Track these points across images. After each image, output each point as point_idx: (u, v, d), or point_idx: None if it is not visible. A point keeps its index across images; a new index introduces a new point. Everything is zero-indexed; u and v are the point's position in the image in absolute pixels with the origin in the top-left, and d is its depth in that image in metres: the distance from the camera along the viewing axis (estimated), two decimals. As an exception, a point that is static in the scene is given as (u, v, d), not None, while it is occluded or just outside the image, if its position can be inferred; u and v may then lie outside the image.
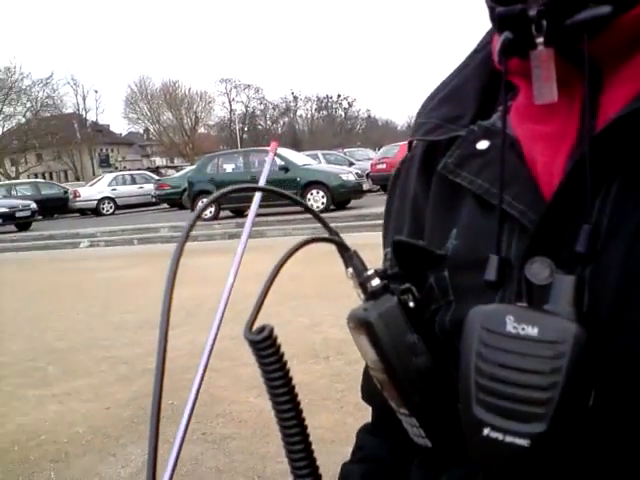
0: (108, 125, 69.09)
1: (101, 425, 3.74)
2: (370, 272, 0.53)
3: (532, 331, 0.41)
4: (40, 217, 21.50)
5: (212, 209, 15.27)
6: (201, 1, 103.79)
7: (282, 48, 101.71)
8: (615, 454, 0.43)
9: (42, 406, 4.20)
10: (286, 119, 69.30)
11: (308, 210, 0.53)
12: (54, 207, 24.80)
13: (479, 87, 0.58)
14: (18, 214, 19.48)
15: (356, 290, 0.54)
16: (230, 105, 65.32)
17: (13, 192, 24.86)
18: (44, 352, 5.47)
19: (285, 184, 13.90)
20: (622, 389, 0.41)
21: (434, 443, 0.53)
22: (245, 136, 63.10)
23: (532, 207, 0.46)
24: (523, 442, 0.40)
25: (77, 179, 50.87)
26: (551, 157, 0.48)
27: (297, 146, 42.66)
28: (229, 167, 15.72)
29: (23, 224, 19.79)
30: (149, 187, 23.36)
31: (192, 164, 30.82)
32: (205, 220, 15.13)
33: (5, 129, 52.73)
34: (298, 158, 15.82)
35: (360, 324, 0.52)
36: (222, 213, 15.50)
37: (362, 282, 0.53)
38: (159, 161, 60.44)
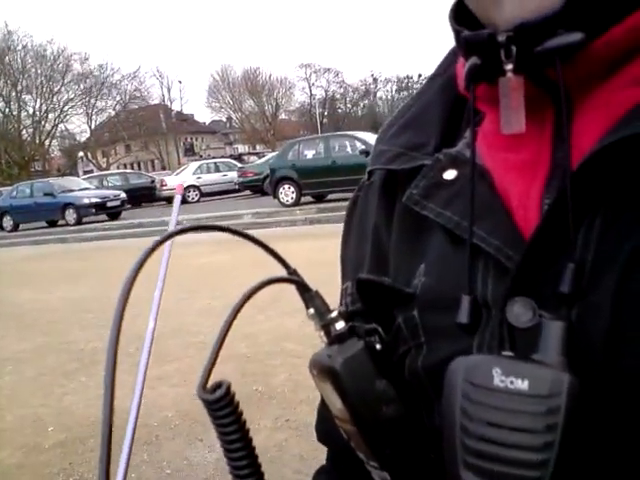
0: (192, 114, 70.89)
1: (189, 410, 3.85)
2: (334, 314, 0.49)
3: (522, 385, 0.37)
4: (129, 206, 22.40)
5: (294, 194, 15.39)
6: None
7: (360, 30, 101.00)
8: None
9: (133, 391, 4.35)
10: (366, 101, 68.92)
11: (266, 249, 0.49)
12: (142, 196, 25.76)
13: (442, 113, 0.54)
14: (109, 204, 20.28)
15: (318, 333, 0.49)
16: (310, 90, 65.53)
17: (104, 183, 26.04)
18: (135, 338, 5.61)
19: (366, 168, 13.78)
20: (621, 439, 0.38)
21: None
22: (325, 120, 63.18)
23: (509, 243, 0.43)
24: None
25: (163, 168, 52.56)
26: (525, 188, 0.44)
27: (377, 129, 42.17)
28: (310, 153, 15.77)
29: (114, 213, 20.59)
30: (232, 174, 23.71)
31: (273, 150, 31.23)
32: (287, 206, 15.30)
33: (97, 123, 54.93)
34: (379, 141, 15.69)
35: (324, 372, 0.48)
36: (303, 199, 15.61)
37: (325, 325, 0.49)
38: (241, 148, 61.43)
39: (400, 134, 0.56)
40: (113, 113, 55.18)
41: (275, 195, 15.81)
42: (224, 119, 70.97)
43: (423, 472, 0.48)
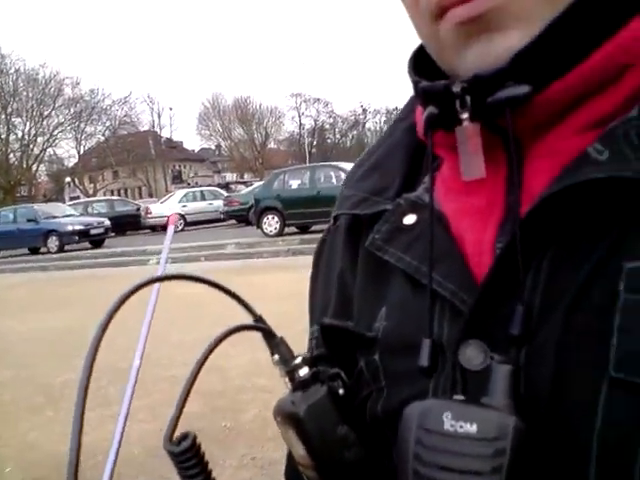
0: (181, 142, 70.91)
1: (156, 446, 3.77)
2: (298, 360, 0.51)
3: (471, 428, 0.38)
4: (113, 234, 22.33)
5: (278, 225, 15.37)
6: (271, 18, 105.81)
7: (350, 61, 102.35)
8: None
9: (102, 426, 4.25)
10: (355, 132, 69.48)
11: (232, 295, 0.51)
12: (127, 224, 25.68)
13: (404, 157, 0.56)
14: (92, 231, 20.19)
15: (283, 379, 0.51)
16: (300, 119, 65.99)
17: (90, 209, 26.03)
18: (107, 371, 5.57)
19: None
20: (566, 474, 0.39)
21: None
22: (314, 150, 63.48)
23: (463, 287, 0.44)
24: None
25: (150, 195, 52.34)
26: (479, 233, 0.46)
27: (365, 160, 42.45)
28: (295, 183, 15.82)
29: (97, 241, 20.47)
30: (218, 203, 23.78)
31: (261, 179, 31.28)
32: (270, 236, 15.28)
33: (86, 148, 54.92)
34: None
35: (288, 418, 0.49)
36: (287, 229, 15.61)
37: (289, 371, 0.51)
38: (229, 177, 61.51)
39: (365, 178, 0.58)
40: (102, 138, 55.18)
41: (259, 225, 15.80)
42: (213, 147, 71.21)
43: None
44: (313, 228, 15.57)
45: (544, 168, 0.43)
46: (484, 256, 0.45)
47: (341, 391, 0.51)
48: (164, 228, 24.25)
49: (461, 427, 0.39)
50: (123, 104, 54.59)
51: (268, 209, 15.59)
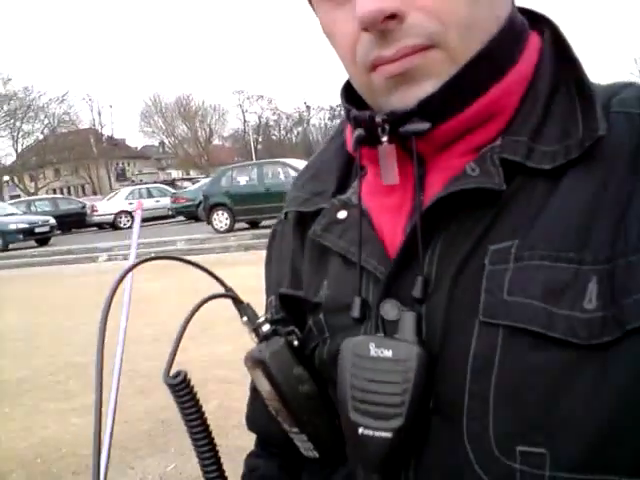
0: (124, 139, 69.73)
1: (120, 438, 3.77)
2: (261, 319, 0.67)
3: (388, 353, 0.55)
4: (59, 232, 21.78)
5: (228, 221, 15.36)
6: (210, 15, 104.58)
7: (293, 59, 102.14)
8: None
9: (63, 420, 4.29)
10: (300, 128, 69.44)
11: (206, 271, 0.69)
12: (72, 222, 25.16)
13: (337, 167, 0.72)
14: (37, 229, 19.62)
15: (250, 335, 0.67)
16: (244, 116, 65.65)
17: (32, 208, 25.20)
18: (64, 366, 5.57)
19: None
20: (450, 392, 0.54)
21: (321, 453, 0.67)
22: (260, 147, 63.13)
23: (381, 262, 0.60)
24: (387, 435, 0.55)
25: (94, 193, 51.16)
26: (393, 224, 0.62)
27: (311, 155, 42.38)
28: (243, 180, 15.71)
29: (42, 239, 19.98)
30: (165, 200, 23.46)
31: (207, 176, 30.94)
32: (220, 232, 15.21)
33: (24, 146, 53.30)
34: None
35: (256, 362, 0.65)
36: (237, 225, 15.63)
37: (255, 328, 0.67)
38: (175, 173, 60.73)
39: (307, 183, 0.74)
40: (41, 137, 53.75)
41: (209, 221, 15.68)
42: (157, 144, 70.06)
43: (330, 433, 0.65)
44: (263, 223, 15.57)
45: (439, 179, 0.58)
46: (396, 239, 0.60)
47: (296, 343, 0.67)
48: (111, 225, 23.89)
49: (382, 352, 0.55)
50: (61, 102, 53.46)
51: (217, 205, 15.46)
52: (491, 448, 0.52)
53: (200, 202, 17.40)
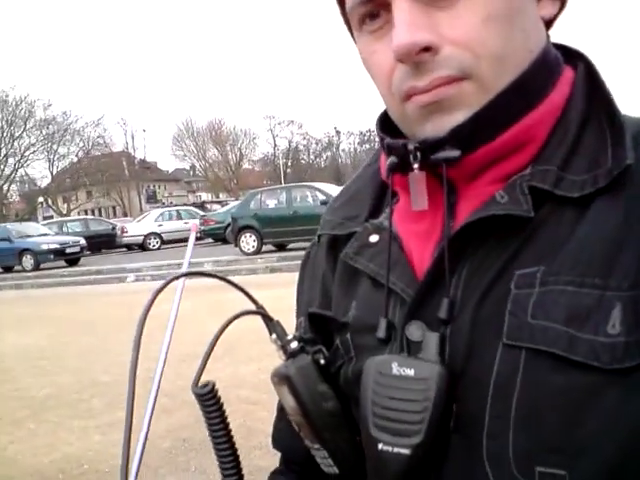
0: (155, 162, 70.69)
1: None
2: (290, 337, 0.68)
3: (410, 372, 0.56)
4: (89, 252, 22.10)
5: (255, 243, 15.43)
6: (244, 42, 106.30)
7: (324, 84, 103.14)
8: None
9: (86, 437, 4.33)
10: (329, 153, 69.76)
11: (235, 286, 0.70)
12: (102, 242, 25.53)
13: (371, 193, 0.74)
14: (68, 250, 19.97)
15: (278, 352, 0.68)
16: (274, 141, 66.19)
17: (64, 228, 25.71)
18: (89, 385, 5.63)
19: (326, 218, 13.88)
20: (470, 412, 0.55)
21: (341, 469, 0.67)
22: (289, 170, 63.49)
23: (409, 285, 0.62)
24: (406, 451, 0.55)
25: (125, 215, 51.98)
26: (422, 249, 0.64)
27: (340, 180, 42.62)
28: (272, 203, 15.85)
29: (73, 260, 20.30)
30: (194, 222, 23.53)
31: (237, 199, 31.18)
32: (248, 254, 15.27)
33: (59, 169, 54.32)
34: (338, 192, 15.79)
35: (282, 378, 0.66)
36: (264, 247, 15.70)
37: (283, 345, 0.68)
38: (205, 196, 61.35)
39: (341, 208, 0.76)
40: (75, 159, 54.70)
41: (237, 243, 15.78)
42: (187, 167, 70.96)
43: (351, 449, 0.66)
44: (290, 246, 15.65)
45: (469, 206, 0.59)
46: (424, 264, 0.62)
47: (322, 361, 0.68)
48: (140, 246, 24.13)
49: (404, 371, 0.57)
50: (96, 126, 54.47)
51: (246, 228, 15.57)
52: (510, 468, 0.53)
53: (229, 224, 17.49)
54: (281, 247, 15.97)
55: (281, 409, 0.80)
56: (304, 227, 13.62)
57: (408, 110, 0.59)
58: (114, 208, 61.08)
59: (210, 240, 22.25)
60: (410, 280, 0.62)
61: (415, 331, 0.60)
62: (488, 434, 0.54)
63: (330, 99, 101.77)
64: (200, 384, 0.65)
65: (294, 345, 0.67)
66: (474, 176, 0.60)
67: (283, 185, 20.08)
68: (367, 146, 66.53)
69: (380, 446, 0.57)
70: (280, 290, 8.57)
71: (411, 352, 0.60)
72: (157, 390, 1.14)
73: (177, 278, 0.71)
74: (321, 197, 14.74)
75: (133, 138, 62.00)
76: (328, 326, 0.72)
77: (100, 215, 53.11)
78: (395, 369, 0.57)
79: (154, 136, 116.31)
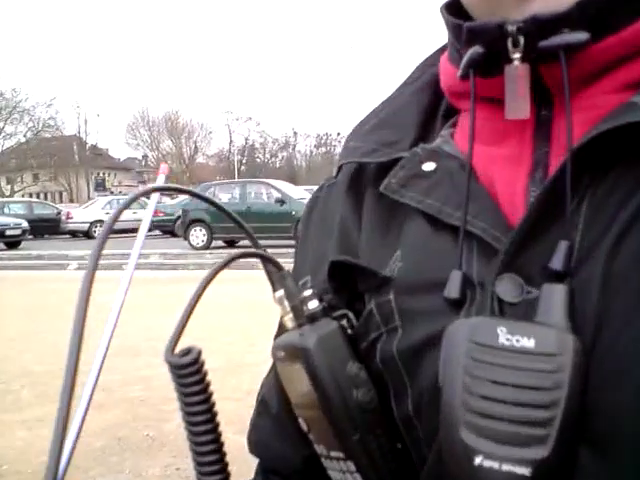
0: (107, 149, 69.47)
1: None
2: (307, 293, 0.48)
3: (528, 343, 0.38)
4: (31, 237, 21.55)
5: (205, 237, 15.25)
6: (204, 34, 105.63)
7: (284, 85, 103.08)
8: None
9: (10, 432, 4.03)
10: (285, 154, 69.91)
11: (235, 221, 0.51)
12: (46, 227, 24.86)
13: (416, 114, 0.57)
14: (8, 232, 19.37)
15: (285, 317, 0.48)
16: (230, 136, 65.92)
17: (6, 210, 24.89)
18: (20, 375, 5.31)
19: (280, 217, 13.91)
20: (607, 414, 0.38)
21: None
22: (243, 168, 63.47)
23: (495, 225, 0.45)
24: (524, 470, 0.37)
25: (71, 201, 51.10)
26: (511, 177, 0.47)
27: (294, 180, 42.85)
28: (225, 197, 15.77)
29: (13, 242, 19.68)
30: (143, 213, 23.29)
31: (188, 192, 30.88)
32: (197, 249, 15.09)
33: (5, 147, 53.00)
34: (294, 191, 15.85)
35: (295, 351, 0.46)
36: (214, 243, 15.48)
37: (295, 305, 0.47)
38: (155, 188, 60.71)
39: (372, 133, 0.57)
40: (23, 139, 53.49)
41: (186, 237, 15.60)
42: (140, 157, 69.98)
43: (388, 462, 0.47)
44: (240, 243, 15.51)
45: (577, 123, 0.43)
46: (517, 197, 0.46)
47: (349, 331, 0.49)
48: (85, 234, 23.62)
49: (517, 341, 0.38)
50: (48, 107, 53.47)
51: (196, 221, 15.43)
52: None
53: (178, 217, 17.31)
54: (231, 243, 15.83)
55: (262, 402, 0.62)
56: (257, 224, 13.60)
57: None
58: (61, 194, 59.78)
59: (158, 232, 21.93)
60: (496, 219, 0.45)
61: (511, 289, 0.41)
62: (635, 450, 0.36)
63: (290, 100, 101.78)
64: (179, 351, 0.44)
65: (313, 305, 0.47)
66: (586, 81, 0.44)
67: (238, 180, 20.00)
68: (323, 149, 67.11)
69: (478, 460, 0.38)
70: (230, 286, 8.60)
71: (506, 316, 0.42)
72: (95, 384, 0.99)
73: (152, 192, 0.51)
74: (276, 194, 14.75)
75: (86, 123, 60.47)
76: (355, 286, 0.53)
77: (46, 199, 51.72)
78: (503, 337, 0.39)
79: (108, 122, 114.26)
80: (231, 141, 65.71)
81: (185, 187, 0.49)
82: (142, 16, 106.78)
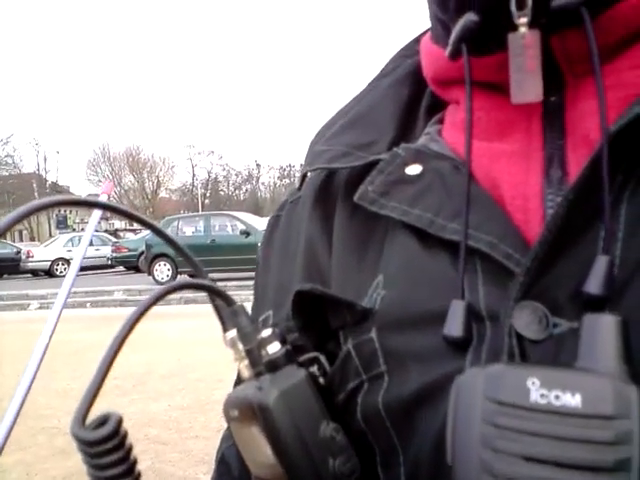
0: (68, 187, 68.62)
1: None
2: (266, 333, 0.37)
3: (572, 400, 0.27)
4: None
5: (170, 272, 15.06)
6: (163, 69, 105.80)
7: (247, 117, 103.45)
8: None
9: None
10: (249, 186, 69.82)
11: (178, 249, 0.42)
12: (5, 267, 24.27)
13: (394, 111, 0.48)
14: (-35, 273, 18.79)
15: (240, 364, 0.38)
16: (193, 170, 65.65)
17: (-38, 250, 24.26)
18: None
19: (246, 249, 13.80)
20: None
21: None
22: (207, 201, 63.25)
23: (505, 238, 0.36)
24: None
25: (32, 239, 50.18)
26: (520, 179, 0.39)
27: (258, 212, 42.86)
28: (189, 230, 15.58)
29: (-30, 284, 19.06)
30: (106, 249, 22.96)
31: (152, 227, 30.61)
32: (161, 284, 14.84)
33: (-40, 186, 51.98)
34: (259, 223, 15.77)
35: (251, 409, 0.35)
36: (179, 277, 15.26)
37: (252, 349, 0.37)
38: (118, 224, 60.13)
39: (343, 133, 0.48)
40: (-21, 178, 52.55)
41: (150, 272, 15.35)
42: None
43: None
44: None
45: (594, 109, 0.36)
46: (530, 202, 0.37)
47: (321, 380, 0.40)
48: (46, 273, 23.08)
49: (557, 398, 0.28)
50: (5, 144, 52.64)
51: (160, 256, 15.14)
52: None
53: (142, 252, 17.05)
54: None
55: (223, 462, 0.51)
56: (222, 257, 13.49)
57: None
58: (20, 232, 58.68)
59: (122, 268, 21.57)
60: (506, 230, 0.36)
61: (533, 321, 0.32)
62: None
63: (252, 132, 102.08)
64: (92, 421, 0.32)
65: (274, 348, 0.37)
66: (611, 53, 0.37)
67: (202, 213, 19.86)
68: (287, 181, 67.25)
69: None
70: (196, 321, 8.41)
71: (529, 359, 0.32)
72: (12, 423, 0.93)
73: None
74: (241, 227, 14.65)
75: (45, 160, 59.80)
76: (327, 322, 0.43)
77: (4, 239, 50.66)
78: (536, 394, 0.28)
79: (68, 159, 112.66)
80: (194, 175, 65.48)
81: (132, 211, 0.40)
82: (100, 52, 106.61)
